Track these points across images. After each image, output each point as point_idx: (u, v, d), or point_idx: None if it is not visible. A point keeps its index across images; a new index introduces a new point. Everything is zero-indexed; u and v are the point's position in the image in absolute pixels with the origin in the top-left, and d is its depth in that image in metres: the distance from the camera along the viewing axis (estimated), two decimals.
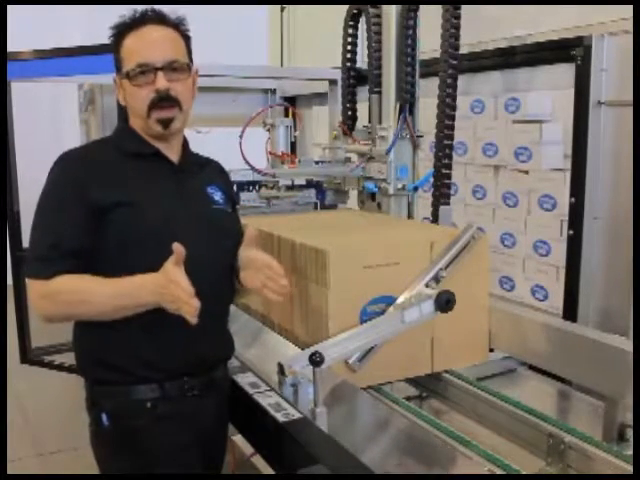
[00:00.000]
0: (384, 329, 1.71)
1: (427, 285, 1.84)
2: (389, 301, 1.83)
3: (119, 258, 1.55)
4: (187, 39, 1.65)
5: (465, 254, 1.92)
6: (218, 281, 1.65)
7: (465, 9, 2.20)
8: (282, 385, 1.63)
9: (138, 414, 1.59)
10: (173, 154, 1.67)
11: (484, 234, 2.00)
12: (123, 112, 1.71)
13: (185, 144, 1.73)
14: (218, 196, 1.72)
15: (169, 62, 1.56)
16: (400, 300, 1.82)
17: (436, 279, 1.86)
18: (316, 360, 1.48)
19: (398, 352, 1.84)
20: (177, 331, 1.53)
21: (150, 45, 1.57)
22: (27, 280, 1.56)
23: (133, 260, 1.54)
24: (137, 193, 1.57)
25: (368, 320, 1.78)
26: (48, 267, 1.50)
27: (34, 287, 1.53)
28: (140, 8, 1.61)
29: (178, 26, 1.62)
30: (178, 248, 1.41)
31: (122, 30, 1.60)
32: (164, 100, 1.56)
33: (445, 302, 1.67)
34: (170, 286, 1.42)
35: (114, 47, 1.62)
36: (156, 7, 1.63)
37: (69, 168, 1.59)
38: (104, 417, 1.60)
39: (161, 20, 1.60)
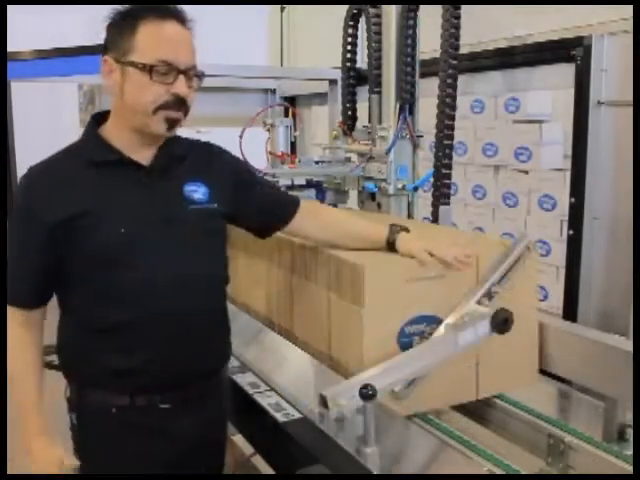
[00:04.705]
0: (438, 354, 1.53)
1: (479, 302, 1.64)
2: (430, 321, 1.66)
3: (81, 274, 1.50)
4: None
5: (517, 267, 1.74)
6: (198, 290, 1.55)
7: (465, 9, 2.19)
8: (324, 418, 1.45)
9: (101, 419, 1.55)
10: (145, 157, 1.54)
11: (535, 245, 1.83)
12: (115, 104, 1.52)
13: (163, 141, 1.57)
14: (200, 193, 1.56)
15: (190, 67, 1.48)
16: (450, 320, 1.62)
17: (489, 296, 1.66)
18: (368, 394, 1.29)
19: (441, 377, 1.66)
20: (152, 347, 1.50)
21: (176, 45, 1.46)
22: None
23: (93, 276, 1.48)
24: (94, 205, 1.47)
25: (407, 342, 1.64)
26: (15, 296, 1.53)
27: (8, 310, 1.55)
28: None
29: (191, 29, 1.51)
30: None
31: (140, 14, 1.45)
32: (178, 104, 1.47)
33: (502, 322, 1.51)
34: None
35: (122, 26, 1.46)
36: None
37: (27, 192, 1.51)
38: (73, 418, 1.58)
39: (183, 20, 1.49)
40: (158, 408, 1.54)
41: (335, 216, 1.90)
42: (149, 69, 1.43)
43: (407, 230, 1.73)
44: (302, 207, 1.75)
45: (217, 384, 1.65)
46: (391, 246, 1.71)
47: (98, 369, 1.52)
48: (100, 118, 1.57)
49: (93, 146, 1.53)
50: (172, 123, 1.49)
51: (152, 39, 1.44)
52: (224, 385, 1.70)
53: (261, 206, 1.71)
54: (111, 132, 1.53)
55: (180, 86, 1.45)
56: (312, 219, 1.77)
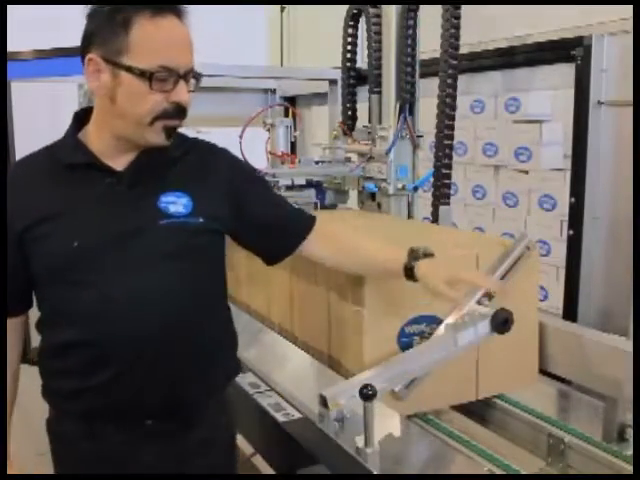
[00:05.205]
0: (437, 354, 1.51)
1: (479, 302, 1.63)
2: (430, 321, 1.66)
3: (35, 287, 1.41)
4: None
5: (517, 267, 1.75)
6: (171, 315, 1.37)
7: (465, 9, 2.19)
8: (324, 418, 1.41)
9: (61, 444, 1.48)
10: (125, 162, 1.38)
11: (536, 245, 1.83)
12: (101, 106, 1.37)
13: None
14: (180, 205, 1.37)
15: (190, 70, 1.33)
16: (450, 320, 1.61)
17: (489, 295, 1.65)
18: (368, 394, 1.26)
19: (441, 377, 1.66)
20: (109, 371, 1.36)
21: (176, 47, 1.30)
22: None
23: (44, 289, 1.39)
24: (53, 213, 1.34)
25: (407, 342, 1.64)
26: (8, 303, 1.43)
27: None
28: None
29: (188, 24, 1.33)
30: None
31: (133, 8, 1.27)
32: (178, 113, 1.33)
33: (502, 322, 1.48)
34: None
35: (111, 20, 1.27)
36: None
37: (7, 191, 1.39)
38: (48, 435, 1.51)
39: (180, 15, 1.31)
40: (113, 440, 1.41)
41: (350, 242, 1.63)
42: (148, 76, 1.27)
43: (431, 255, 1.50)
44: (316, 229, 1.57)
45: (204, 414, 1.48)
46: (409, 273, 1.49)
47: (57, 387, 1.44)
48: (83, 115, 1.42)
49: (67, 146, 1.40)
50: (171, 131, 1.35)
51: (150, 40, 1.27)
52: (215, 414, 1.51)
53: (267, 223, 1.54)
54: (92, 134, 1.39)
55: (181, 93, 1.31)
56: (326, 243, 1.59)
